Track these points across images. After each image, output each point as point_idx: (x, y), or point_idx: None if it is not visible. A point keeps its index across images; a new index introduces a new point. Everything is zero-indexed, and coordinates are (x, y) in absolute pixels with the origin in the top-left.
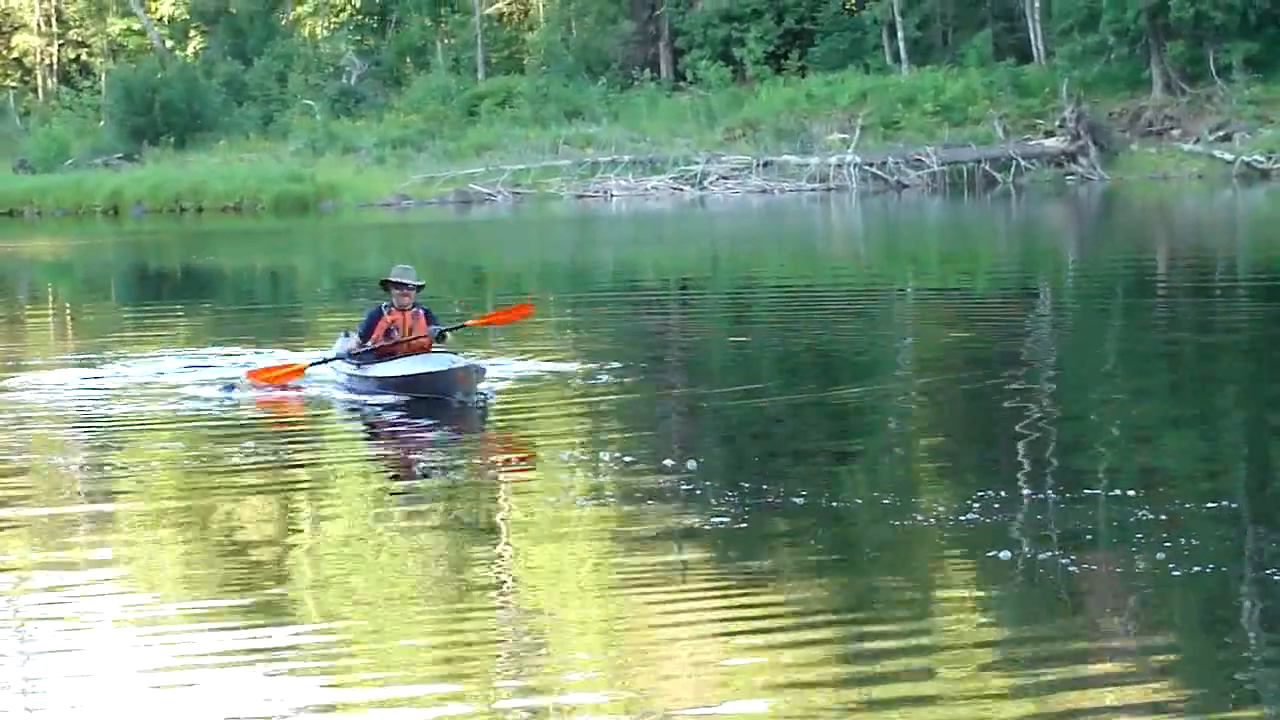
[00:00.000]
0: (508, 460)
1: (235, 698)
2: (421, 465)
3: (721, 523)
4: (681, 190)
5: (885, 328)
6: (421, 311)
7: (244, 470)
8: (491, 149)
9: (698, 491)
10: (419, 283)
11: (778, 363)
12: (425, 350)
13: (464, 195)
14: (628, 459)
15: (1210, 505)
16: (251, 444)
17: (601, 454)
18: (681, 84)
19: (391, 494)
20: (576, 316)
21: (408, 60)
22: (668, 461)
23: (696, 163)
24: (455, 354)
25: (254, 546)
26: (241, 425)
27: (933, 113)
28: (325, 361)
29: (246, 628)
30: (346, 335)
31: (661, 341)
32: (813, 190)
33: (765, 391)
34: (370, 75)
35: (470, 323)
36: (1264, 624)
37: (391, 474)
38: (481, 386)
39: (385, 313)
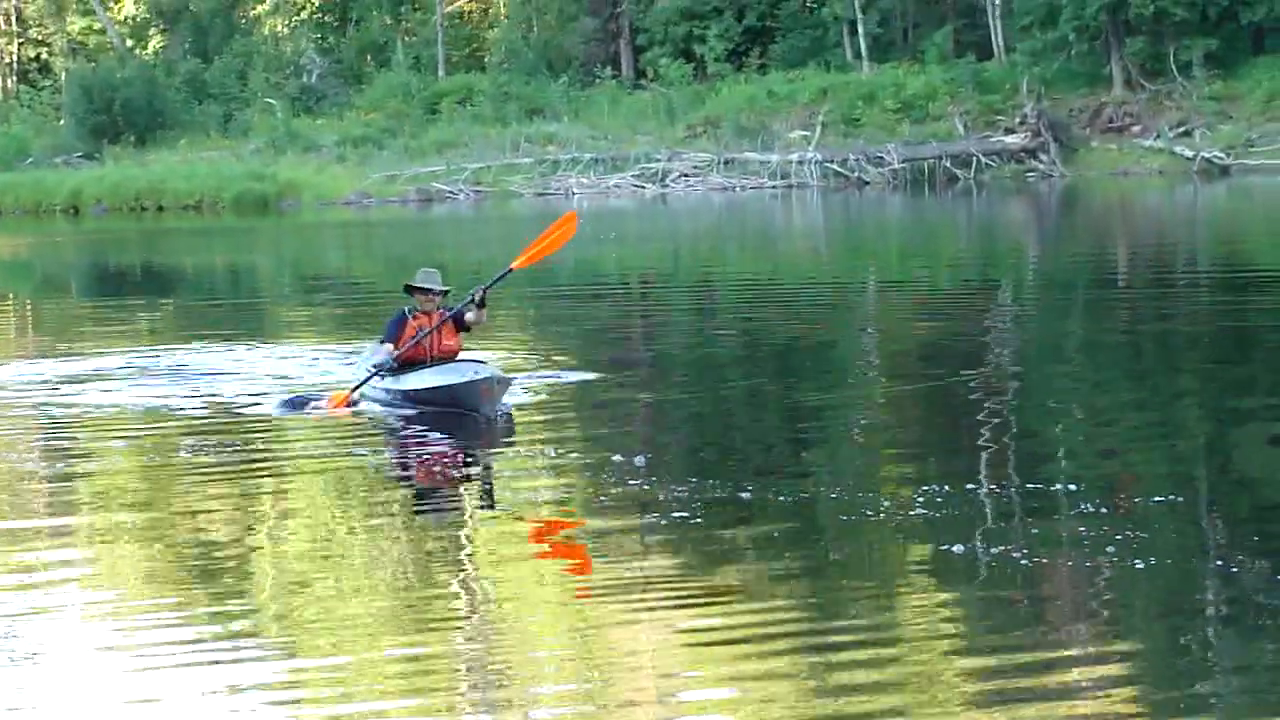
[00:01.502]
0: (467, 460)
1: (198, 703)
2: (383, 467)
3: (680, 518)
4: (643, 188)
5: (846, 323)
6: (450, 316)
7: (211, 474)
8: (452, 147)
9: (657, 488)
10: (444, 288)
11: (738, 359)
12: (453, 354)
13: (425, 193)
14: (585, 456)
15: (1170, 498)
16: (218, 446)
17: (560, 451)
18: (642, 81)
19: (353, 499)
20: (538, 314)
21: (368, 58)
22: (617, 457)
23: (658, 160)
24: (480, 361)
25: (218, 551)
26: (211, 427)
27: (894, 110)
28: (366, 382)
29: (208, 627)
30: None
31: (622, 338)
32: (774, 188)
33: (725, 387)
34: (331, 73)
35: (516, 265)
36: (1225, 617)
37: (353, 479)
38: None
39: (410, 316)
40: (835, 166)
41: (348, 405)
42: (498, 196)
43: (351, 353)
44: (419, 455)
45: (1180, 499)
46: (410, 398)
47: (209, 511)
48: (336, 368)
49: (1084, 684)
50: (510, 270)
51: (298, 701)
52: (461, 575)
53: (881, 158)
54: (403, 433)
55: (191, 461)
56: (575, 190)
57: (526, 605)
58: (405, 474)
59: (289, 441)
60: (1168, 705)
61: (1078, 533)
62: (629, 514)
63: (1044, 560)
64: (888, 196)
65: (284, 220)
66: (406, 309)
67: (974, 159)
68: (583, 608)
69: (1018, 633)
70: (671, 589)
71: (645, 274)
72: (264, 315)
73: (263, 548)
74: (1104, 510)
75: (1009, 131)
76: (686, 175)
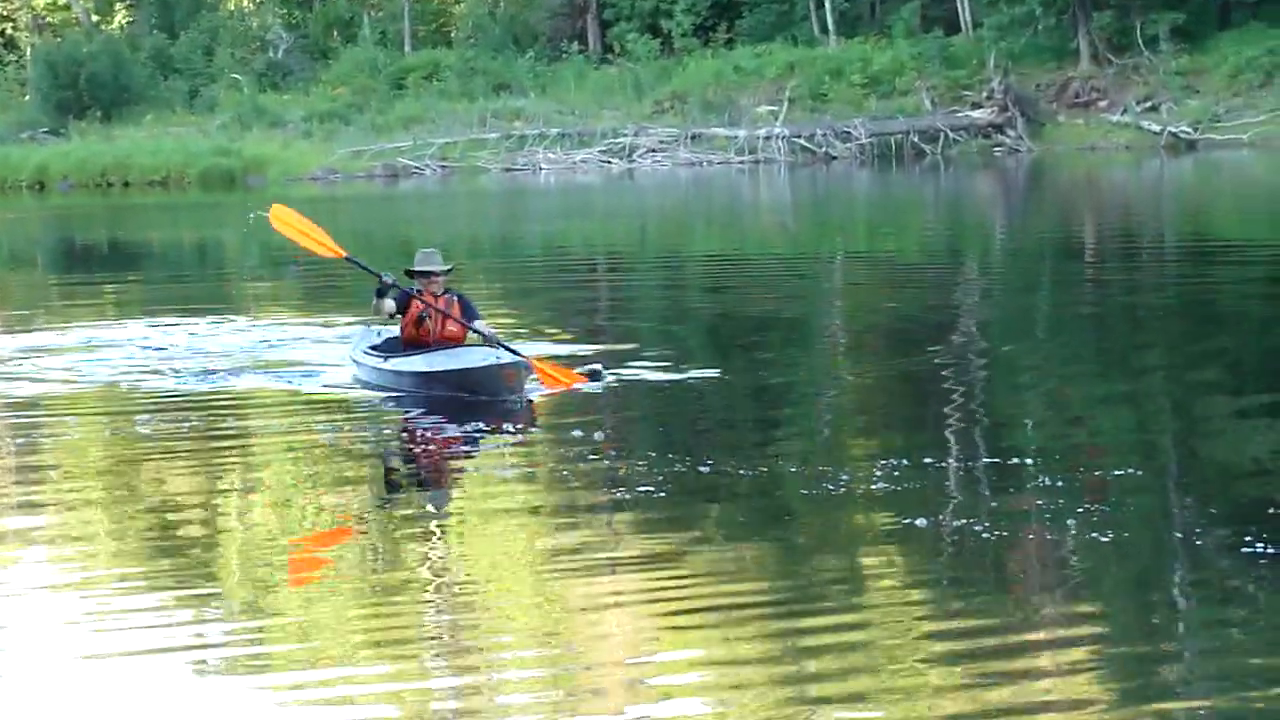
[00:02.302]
0: (433, 437)
1: (165, 674)
2: (351, 442)
3: (646, 493)
4: (610, 163)
5: (813, 298)
6: (456, 298)
7: (177, 448)
8: (419, 122)
9: (622, 465)
10: (446, 267)
11: (704, 334)
12: (456, 340)
13: (391, 169)
14: (548, 432)
15: (1136, 471)
16: (184, 419)
17: (524, 427)
18: (609, 57)
19: (320, 474)
20: (503, 288)
21: (334, 33)
22: (577, 432)
23: (624, 135)
24: (491, 345)
25: (183, 525)
26: (178, 402)
27: (860, 85)
28: (367, 270)
29: (174, 600)
30: (367, 326)
31: (589, 311)
32: (741, 163)
33: (692, 362)
34: (297, 49)
35: (529, 360)
36: (1191, 590)
37: (320, 455)
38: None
39: (416, 296)
40: (802, 141)
41: (338, 254)
42: (465, 172)
43: (343, 338)
44: (387, 432)
45: (1146, 472)
46: (418, 380)
47: (176, 485)
48: (309, 344)
49: (1050, 658)
50: (518, 354)
51: (264, 670)
52: (428, 551)
53: (849, 133)
54: (371, 410)
55: (157, 435)
56: (542, 166)
57: (492, 581)
58: (373, 450)
59: (255, 416)
60: (1134, 678)
61: (1044, 506)
62: (594, 490)
63: (1010, 533)
64: (855, 171)
65: (250, 196)
66: (413, 289)
67: (941, 134)
68: (549, 583)
69: (985, 607)
70: (638, 565)
71: (612, 249)
72: (230, 290)
73: (229, 520)
74: (1070, 483)
75: (976, 106)
76: (653, 151)
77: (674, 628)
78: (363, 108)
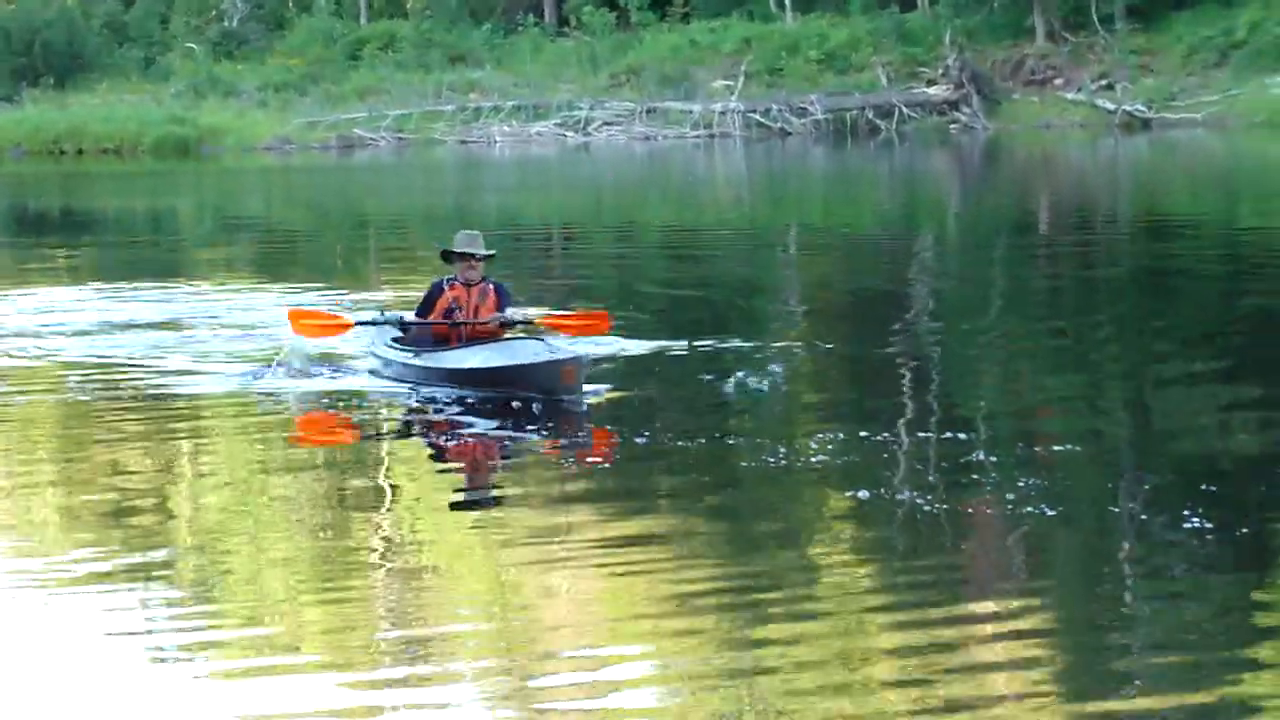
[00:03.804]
0: (387, 411)
1: (114, 649)
2: (304, 414)
3: (599, 465)
4: (565, 136)
5: (767, 271)
6: (492, 287)
7: (130, 420)
8: (374, 93)
9: (579, 437)
10: (489, 252)
11: (657, 305)
12: (494, 337)
13: (346, 140)
14: (502, 405)
15: (1089, 445)
16: (136, 391)
17: (477, 402)
18: (565, 29)
19: (274, 448)
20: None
21: (290, 3)
22: (515, 404)
23: (580, 109)
24: (541, 338)
25: (134, 497)
26: (131, 373)
27: (817, 60)
28: (375, 324)
29: (124, 572)
30: (384, 314)
31: (542, 285)
32: (696, 137)
33: (643, 333)
34: (252, 18)
35: (540, 320)
36: (1139, 562)
37: (272, 428)
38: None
39: (447, 288)
40: (758, 117)
41: (346, 331)
42: (420, 144)
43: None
44: (340, 407)
45: (1097, 446)
46: (459, 378)
47: (127, 459)
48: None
49: (1001, 633)
50: (530, 322)
51: (216, 647)
52: (380, 524)
53: (804, 108)
54: (322, 384)
55: (109, 406)
56: (498, 138)
57: (446, 553)
58: (325, 425)
59: (208, 388)
60: (1084, 651)
61: (996, 481)
62: (548, 464)
63: (962, 509)
64: (810, 147)
65: (205, 165)
66: (445, 279)
67: (896, 110)
68: (502, 556)
69: (936, 581)
70: (591, 538)
71: (567, 222)
72: (184, 258)
73: (180, 495)
74: (1022, 458)
75: (931, 83)
76: (609, 124)
77: (627, 591)
78: (318, 78)
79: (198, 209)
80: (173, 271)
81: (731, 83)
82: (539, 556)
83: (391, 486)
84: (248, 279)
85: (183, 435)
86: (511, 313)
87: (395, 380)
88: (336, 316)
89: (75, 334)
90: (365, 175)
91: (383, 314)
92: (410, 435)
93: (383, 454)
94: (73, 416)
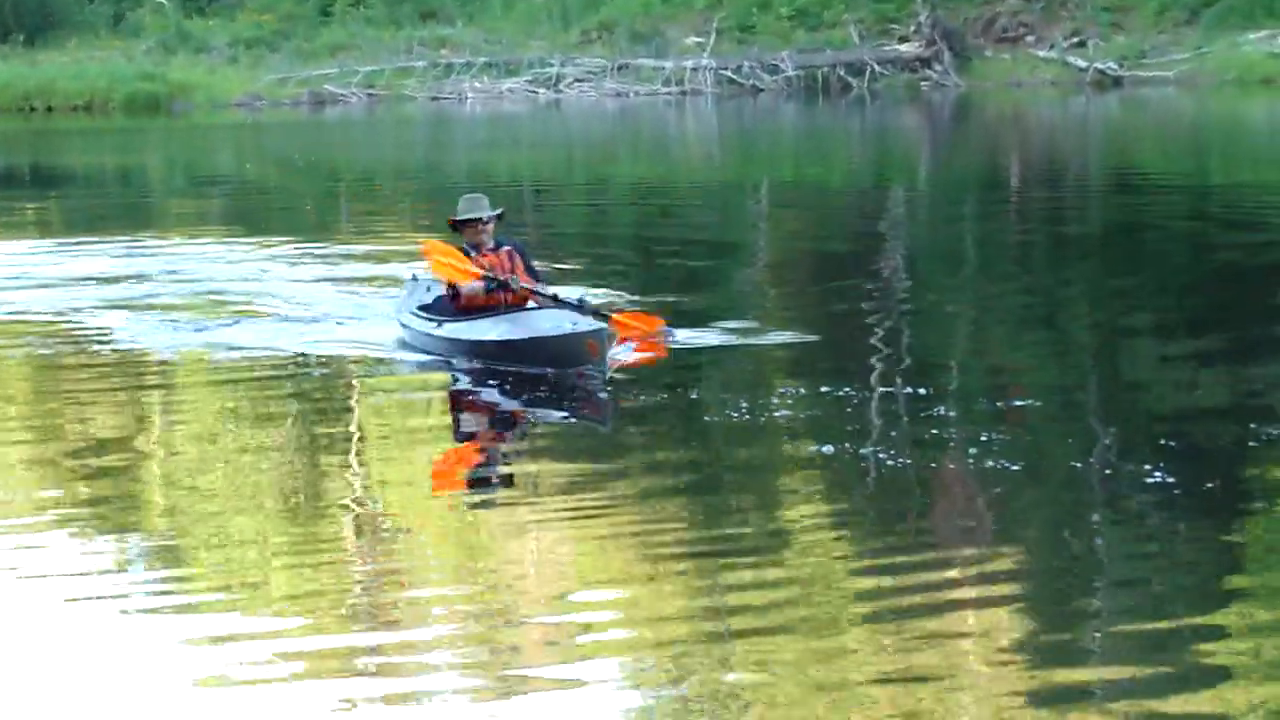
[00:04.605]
0: (355, 374)
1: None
2: (272, 377)
3: (566, 420)
4: (536, 93)
5: (737, 227)
6: (512, 249)
7: (100, 379)
8: (345, 50)
9: (545, 393)
10: (495, 212)
11: (627, 260)
12: (529, 298)
13: (317, 96)
14: (471, 363)
15: (1057, 401)
16: (109, 349)
17: (446, 362)
18: None
19: (242, 407)
20: (431, 214)
21: None
22: (478, 363)
23: (552, 65)
24: (562, 304)
25: (100, 455)
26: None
27: (788, 17)
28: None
29: (95, 537)
30: (415, 280)
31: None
32: (668, 94)
33: (612, 287)
34: None
35: (611, 316)
36: (1107, 518)
37: (241, 385)
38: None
39: (476, 255)
40: (729, 74)
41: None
42: (390, 100)
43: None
44: (308, 370)
45: (1065, 402)
46: (478, 350)
47: (92, 415)
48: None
49: (970, 592)
50: (584, 304)
51: (182, 607)
52: (351, 486)
53: (776, 65)
54: (292, 348)
55: (80, 365)
56: (469, 95)
57: (416, 513)
58: (295, 387)
59: (181, 348)
60: (1051, 610)
61: (966, 437)
62: (516, 422)
63: (930, 465)
64: (781, 104)
65: (175, 122)
66: (467, 246)
67: (868, 67)
68: (472, 514)
69: (903, 538)
70: (560, 495)
71: (538, 178)
72: (153, 213)
73: (148, 452)
74: (991, 414)
75: (903, 40)
76: (580, 81)
77: (596, 547)
78: (289, 34)
79: (168, 165)
80: (141, 226)
81: (703, 39)
82: (507, 518)
83: (362, 446)
84: (218, 234)
85: (152, 391)
86: (569, 294)
87: (416, 350)
88: (470, 266)
89: (38, 287)
90: (336, 132)
91: (415, 279)
92: (384, 395)
93: (355, 412)
94: (38, 371)
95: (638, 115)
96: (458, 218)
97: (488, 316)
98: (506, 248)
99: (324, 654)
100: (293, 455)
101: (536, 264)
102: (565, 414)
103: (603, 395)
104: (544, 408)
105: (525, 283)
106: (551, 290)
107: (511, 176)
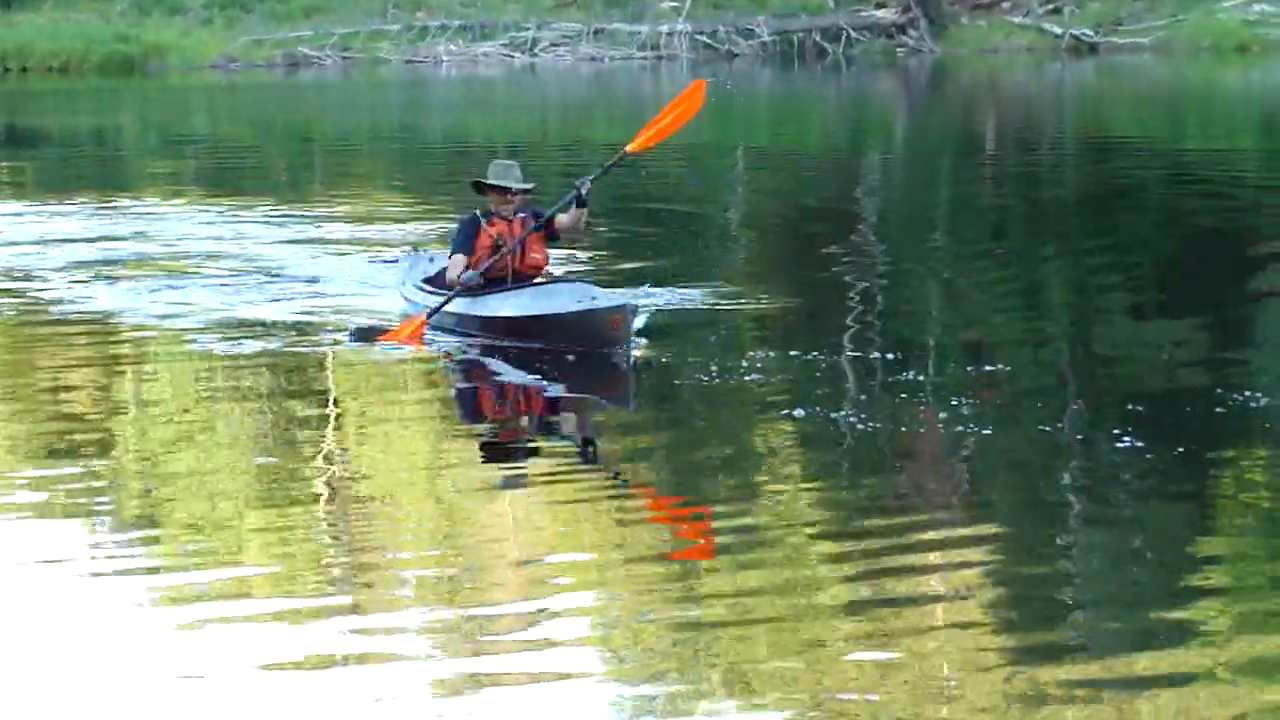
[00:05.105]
0: (330, 338)
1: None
2: (244, 341)
3: (539, 385)
4: (511, 57)
5: (711, 192)
6: (523, 215)
7: (74, 343)
8: (320, 12)
9: (522, 358)
10: (525, 186)
11: (602, 223)
12: (539, 270)
13: (292, 58)
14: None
15: (1030, 366)
16: (81, 312)
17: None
18: None
19: (218, 379)
20: (405, 176)
21: None
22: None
23: (527, 29)
24: (582, 279)
25: (73, 423)
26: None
27: None
28: (437, 310)
29: (69, 499)
30: (416, 251)
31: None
32: (643, 59)
33: (585, 250)
34: None
35: (632, 148)
36: (1080, 485)
37: (218, 352)
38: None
39: (486, 221)
40: (705, 39)
41: (422, 335)
42: (365, 63)
43: (383, 261)
44: (282, 333)
45: (1040, 366)
46: (499, 327)
47: (66, 382)
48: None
49: (943, 554)
50: (624, 154)
51: (156, 571)
52: (327, 453)
53: (751, 30)
54: (258, 312)
55: (54, 329)
56: (444, 58)
57: (390, 477)
58: (268, 352)
59: (153, 310)
60: (1024, 576)
61: (939, 403)
62: (494, 385)
63: (904, 430)
64: (756, 69)
65: (150, 83)
66: (479, 212)
67: (844, 33)
68: (447, 479)
69: (876, 505)
70: (535, 463)
71: (513, 141)
72: (128, 173)
73: (121, 421)
74: (965, 380)
75: (879, 6)
76: (555, 45)
77: (571, 513)
78: None
79: (142, 126)
80: (115, 187)
81: (679, 4)
82: (482, 484)
83: (338, 415)
84: (192, 196)
85: (124, 356)
86: (582, 184)
87: (432, 330)
88: (406, 326)
89: (8, 245)
90: (311, 94)
91: (417, 251)
92: (363, 363)
93: (330, 382)
94: (6, 335)
95: (613, 80)
96: (486, 180)
97: (499, 292)
98: (521, 215)
99: (300, 614)
100: (273, 429)
101: (563, 216)
102: (563, 386)
103: (625, 372)
104: (545, 379)
105: (531, 249)
106: (575, 195)
107: (486, 139)
